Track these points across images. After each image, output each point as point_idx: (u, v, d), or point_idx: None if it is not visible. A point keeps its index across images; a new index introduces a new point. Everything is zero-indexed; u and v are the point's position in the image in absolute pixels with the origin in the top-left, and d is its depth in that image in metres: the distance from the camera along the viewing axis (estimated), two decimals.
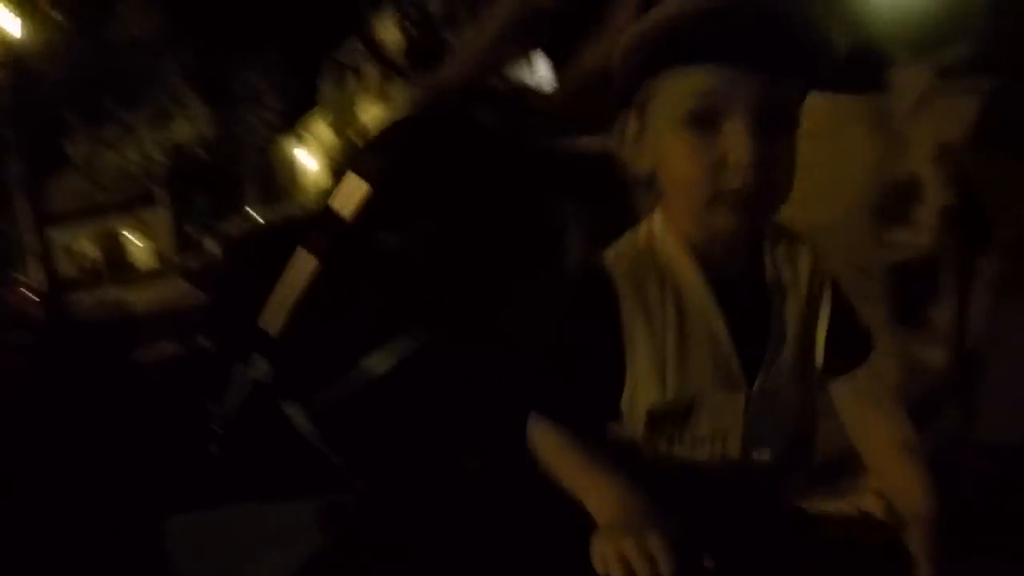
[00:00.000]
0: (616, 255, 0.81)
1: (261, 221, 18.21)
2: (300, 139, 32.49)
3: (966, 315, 1.58)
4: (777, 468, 0.82)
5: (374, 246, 1.58)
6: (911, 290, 1.56)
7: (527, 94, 1.81)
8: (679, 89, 0.71)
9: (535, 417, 0.81)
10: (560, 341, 0.82)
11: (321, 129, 31.09)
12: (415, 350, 1.58)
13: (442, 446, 1.60)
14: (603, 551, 0.63)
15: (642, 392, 0.78)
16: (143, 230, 28.12)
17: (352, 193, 1.55)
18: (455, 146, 1.63)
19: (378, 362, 1.61)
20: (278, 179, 32.28)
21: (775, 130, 0.70)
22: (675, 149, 0.73)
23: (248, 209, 24.38)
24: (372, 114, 21.29)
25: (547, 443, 0.79)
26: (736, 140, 0.69)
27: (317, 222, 1.66)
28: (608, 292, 0.77)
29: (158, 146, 22.38)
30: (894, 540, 0.76)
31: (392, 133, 1.71)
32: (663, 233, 0.79)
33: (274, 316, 1.67)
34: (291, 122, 31.70)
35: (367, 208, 1.53)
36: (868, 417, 0.85)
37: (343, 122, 29.07)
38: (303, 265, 1.63)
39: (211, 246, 15.91)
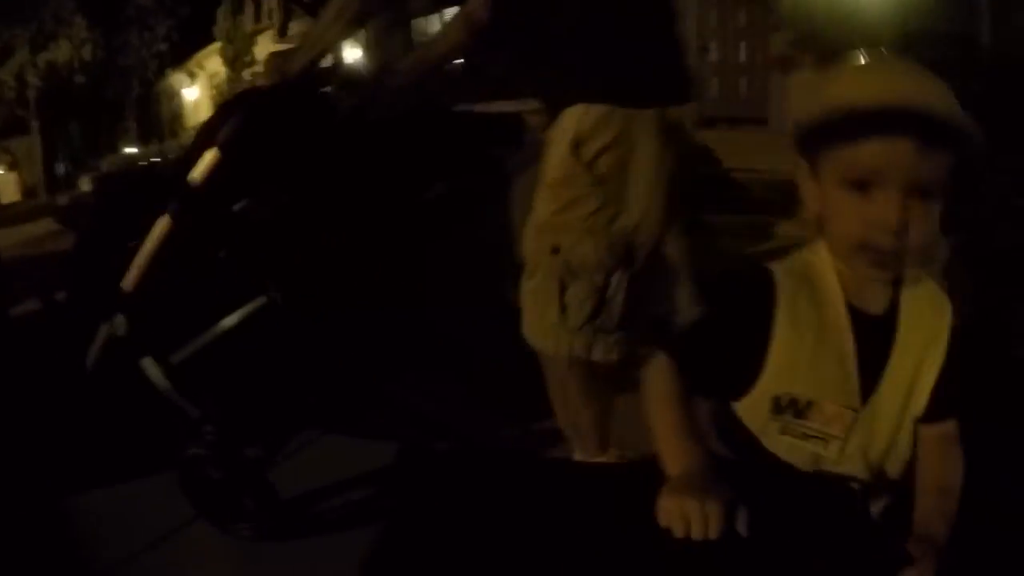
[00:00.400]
0: (784, 267, 0.96)
1: (137, 161, 17.05)
2: (191, 74, 30.43)
3: None
4: (858, 488, 0.94)
5: (227, 210, 1.65)
6: None
7: (378, 70, 1.90)
8: (847, 157, 0.84)
9: (667, 365, 0.93)
10: (720, 317, 0.97)
11: (214, 64, 29.24)
12: (268, 308, 1.67)
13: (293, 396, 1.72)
14: (668, 506, 0.75)
15: (775, 380, 0.92)
16: (9, 162, 25.71)
17: (204, 157, 1.61)
18: (305, 117, 1.72)
19: (232, 320, 1.69)
20: (163, 115, 30.19)
21: (919, 199, 0.83)
22: (838, 203, 0.87)
23: (126, 147, 22.79)
24: (270, 52, 20.19)
25: (659, 391, 0.92)
26: (886, 206, 0.82)
27: (173, 182, 1.70)
28: (770, 291, 0.92)
29: (35, 68, 20.39)
30: None
31: (243, 101, 1.76)
32: (823, 262, 0.93)
33: (132, 273, 1.71)
34: (183, 55, 29.58)
35: (217, 173, 1.59)
36: (939, 459, 0.96)
37: (238, 58, 27.46)
38: (159, 225, 1.68)
39: (83, 183, 14.79)
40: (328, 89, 1.80)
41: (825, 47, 7.17)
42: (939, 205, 0.85)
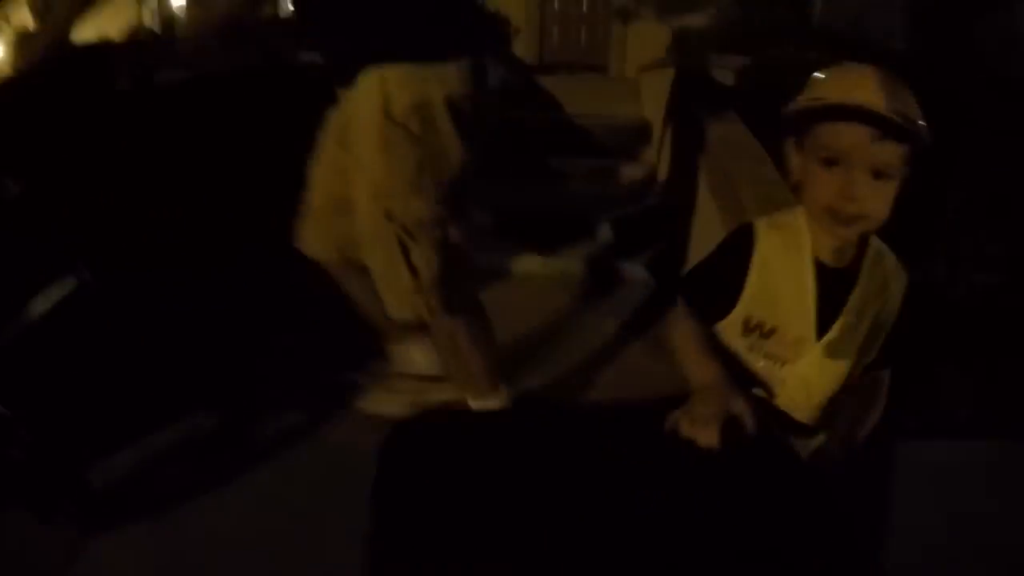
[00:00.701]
0: (766, 220, 1.18)
1: None
2: None
3: None
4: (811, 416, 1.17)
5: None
6: None
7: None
8: (822, 140, 1.05)
9: (684, 308, 1.18)
10: (714, 267, 1.20)
11: (20, 16, 25.55)
12: (78, 290, 1.52)
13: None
14: (694, 412, 0.93)
15: (747, 306, 1.14)
16: None
17: None
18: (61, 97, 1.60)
19: (42, 306, 1.53)
20: None
21: (876, 178, 1.02)
22: (813, 175, 1.07)
23: None
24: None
25: (681, 327, 1.16)
26: (848, 180, 1.03)
27: None
28: (751, 238, 1.15)
29: None
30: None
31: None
32: (799, 221, 1.13)
33: None
34: None
35: None
36: (869, 395, 1.21)
37: (46, 9, 24.18)
38: None
39: None
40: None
41: (664, 1, 7.45)
42: (894, 185, 1.04)
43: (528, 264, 3.33)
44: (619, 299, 3.14)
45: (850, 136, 1.02)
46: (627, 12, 7.40)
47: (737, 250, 1.16)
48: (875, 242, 1.17)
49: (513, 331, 2.67)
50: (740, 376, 1.13)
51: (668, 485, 0.86)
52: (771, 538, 0.79)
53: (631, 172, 4.61)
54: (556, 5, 7.92)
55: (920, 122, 1.04)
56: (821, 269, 1.12)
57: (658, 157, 4.54)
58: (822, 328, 1.13)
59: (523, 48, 7.38)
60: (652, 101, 5.53)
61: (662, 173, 4.39)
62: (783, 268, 1.14)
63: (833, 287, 1.13)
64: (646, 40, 7.20)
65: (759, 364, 1.16)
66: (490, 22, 1.77)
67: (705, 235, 2.94)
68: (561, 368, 2.52)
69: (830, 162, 1.05)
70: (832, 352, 1.14)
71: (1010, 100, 4.02)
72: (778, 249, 1.14)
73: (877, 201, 1.05)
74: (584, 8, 7.97)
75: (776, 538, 0.79)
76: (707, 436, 0.90)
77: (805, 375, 1.15)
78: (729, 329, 1.17)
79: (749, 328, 1.15)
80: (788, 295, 1.14)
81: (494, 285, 3.04)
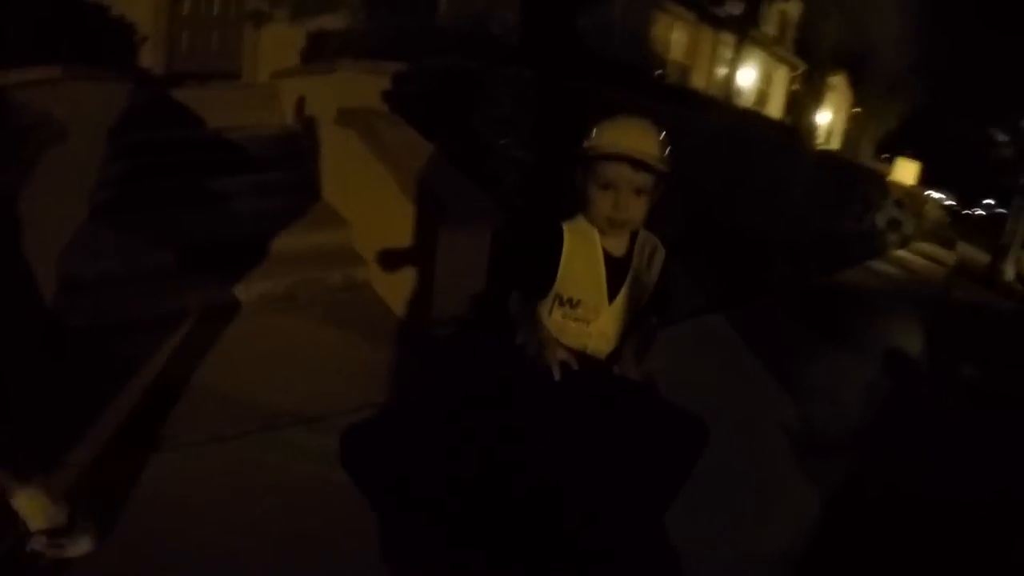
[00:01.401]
0: (569, 224, 1.65)
1: None
2: None
3: None
4: (610, 354, 1.68)
5: None
6: None
7: None
8: (600, 172, 1.58)
9: (514, 294, 1.71)
10: (536, 260, 1.66)
11: None
12: None
13: None
14: (547, 354, 1.53)
15: (560, 287, 1.64)
16: None
17: None
18: None
19: None
20: None
21: (637, 195, 1.58)
22: (596, 196, 1.60)
23: None
24: None
25: (516, 304, 1.70)
26: (618, 199, 1.58)
27: None
28: (560, 236, 1.64)
29: None
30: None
31: None
32: (589, 225, 1.64)
33: None
34: None
35: None
36: (647, 329, 1.72)
37: None
38: None
39: None
40: None
41: (300, 3, 7.26)
42: (649, 197, 1.60)
43: (227, 294, 3.06)
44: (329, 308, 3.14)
45: (618, 170, 1.57)
46: (260, 15, 7.04)
47: (550, 248, 1.64)
48: (643, 234, 1.71)
49: (245, 363, 2.61)
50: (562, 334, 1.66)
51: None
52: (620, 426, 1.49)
53: (291, 180, 4.46)
54: (185, 8, 7.13)
55: (663, 157, 1.57)
56: (607, 258, 1.65)
57: (316, 164, 4.45)
58: (611, 297, 1.66)
59: (150, 57, 6.71)
60: (292, 106, 5.40)
61: (326, 179, 4.33)
62: (582, 259, 1.65)
63: (615, 269, 1.66)
64: (280, 44, 7.03)
65: (572, 326, 1.66)
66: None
67: (401, 228, 3.07)
68: (320, 384, 2.52)
69: (606, 186, 1.59)
70: (618, 312, 1.67)
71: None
72: (578, 245, 1.65)
73: (637, 210, 1.61)
74: (215, 11, 7.31)
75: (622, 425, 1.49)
76: (556, 364, 1.50)
77: (603, 329, 1.67)
78: (547, 305, 1.68)
79: (562, 302, 1.66)
80: (586, 277, 1.65)
81: (202, 324, 2.85)
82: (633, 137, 1.57)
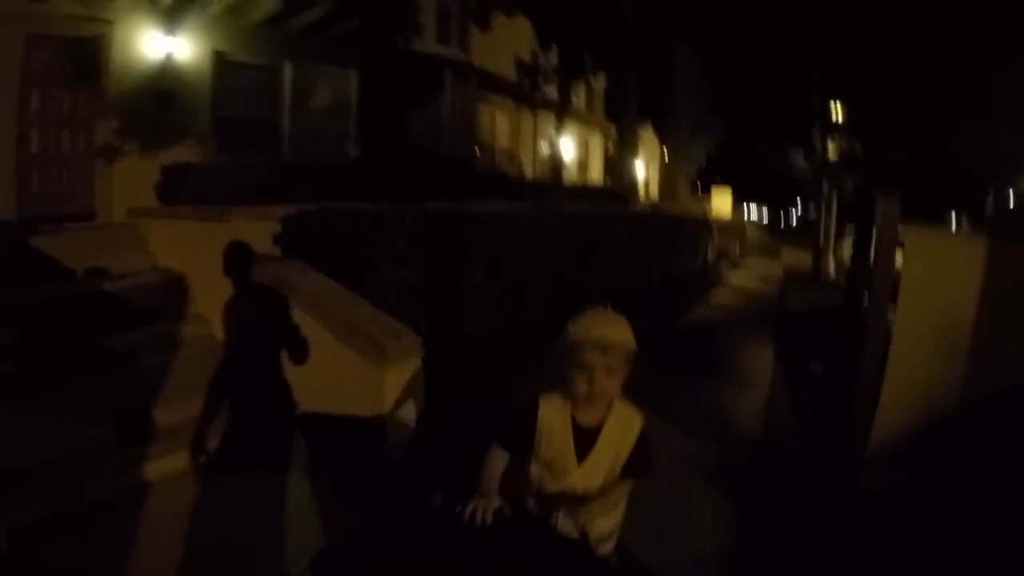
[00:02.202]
0: (546, 398, 1.92)
1: None
2: None
3: None
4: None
5: None
6: None
7: None
8: (577, 356, 1.81)
9: (494, 446, 1.95)
10: (516, 423, 1.93)
11: None
12: None
13: None
14: (472, 505, 1.72)
15: (537, 448, 1.90)
16: None
17: None
18: None
19: None
20: None
21: (608, 375, 1.81)
22: (573, 376, 1.83)
23: None
24: None
25: (492, 456, 1.93)
26: (593, 378, 1.81)
27: None
28: (537, 408, 1.91)
29: None
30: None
31: None
32: (563, 399, 1.89)
33: None
34: None
35: None
36: (619, 494, 1.93)
37: None
38: None
39: None
40: None
41: (151, 136, 7.30)
42: (621, 377, 1.86)
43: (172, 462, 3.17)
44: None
45: (591, 355, 1.83)
46: (111, 150, 6.89)
47: (529, 415, 1.94)
48: (619, 404, 1.94)
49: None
50: (540, 491, 1.94)
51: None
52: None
53: (190, 332, 4.54)
54: (34, 146, 6.67)
55: (630, 340, 1.86)
56: (576, 427, 1.93)
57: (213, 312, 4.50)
58: (580, 459, 1.92)
59: (1, 203, 6.28)
60: (165, 249, 5.35)
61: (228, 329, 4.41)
62: (555, 427, 1.92)
63: (585, 437, 1.92)
64: (133, 179, 6.87)
65: (547, 481, 1.93)
66: None
67: (338, 372, 3.40)
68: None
69: (581, 369, 1.84)
70: (586, 473, 1.92)
71: None
72: (552, 415, 1.93)
73: (610, 386, 1.86)
74: (64, 148, 6.87)
75: None
76: (484, 515, 1.70)
77: (572, 486, 1.92)
78: (528, 462, 1.95)
79: (538, 459, 1.94)
80: (558, 442, 1.92)
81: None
82: (601, 326, 1.85)
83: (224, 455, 3.24)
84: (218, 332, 4.31)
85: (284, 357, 3.47)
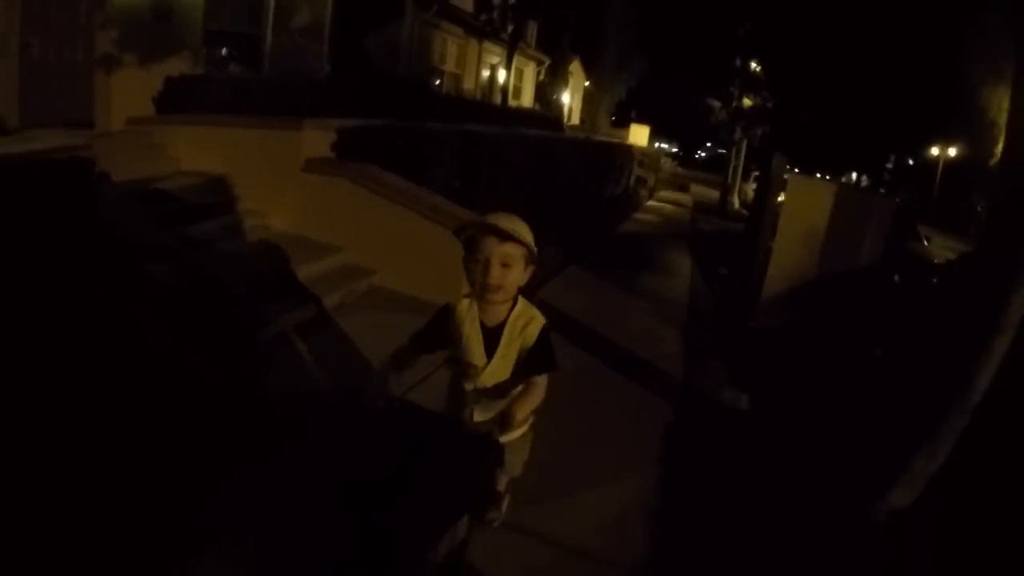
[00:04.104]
0: (459, 300, 1.99)
1: None
2: None
3: None
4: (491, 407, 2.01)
5: None
6: None
7: None
8: (475, 245, 1.86)
9: (407, 344, 2.02)
10: (430, 322, 2.03)
11: None
12: None
13: None
14: (375, 384, 1.87)
15: (451, 350, 2.02)
16: None
17: None
18: None
19: None
20: None
21: (507, 267, 1.86)
22: (472, 266, 1.89)
23: None
24: None
25: (397, 350, 2.00)
26: (491, 270, 1.86)
27: None
28: (451, 310, 2.01)
29: None
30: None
31: None
32: (470, 300, 1.98)
33: None
34: None
35: None
36: (527, 390, 1.94)
37: None
38: None
39: None
40: None
41: (149, 47, 7.23)
42: (518, 275, 1.93)
43: (308, 310, 3.86)
44: None
45: (490, 243, 1.84)
46: (111, 60, 7.17)
47: (443, 316, 2.02)
48: (521, 304, 1.99)
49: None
50: (460, 392, 2.04)
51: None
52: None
53: (253, 222, 5.07)
54: (35, 54, 6.77)
55: (528, 239, 1.86)
56: (483, 327, 1.99)
57: (274, 206, 5.23)
58: (488, 358, 1.99)
59: (5, 109, 6.42)
60: (198, 155, 5.78)
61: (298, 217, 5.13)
62: (464, 327, 1.98)
63: (492, 335, 1.98)
64: (132, 90, 7.09)
65: (463, 380, 2.02)
66: None
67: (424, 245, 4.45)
68: None
69: (479, 259, 1.86)
70: (493, 370, 1.99)
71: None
72: (463, 316, 1.99)
73: (506, 280, 1.88)
74: (65, 57, 6.97)
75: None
76: (378, 394, 1.83)
77: (484, 383, 1.99)
78: (449, 363, 2.08)
79: (452, 361, 2.05)
80: (467, 342, 1.98)
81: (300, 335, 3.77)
82: (504, 219, 1.86)
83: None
84: (272, 222, 5.06)
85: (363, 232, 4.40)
